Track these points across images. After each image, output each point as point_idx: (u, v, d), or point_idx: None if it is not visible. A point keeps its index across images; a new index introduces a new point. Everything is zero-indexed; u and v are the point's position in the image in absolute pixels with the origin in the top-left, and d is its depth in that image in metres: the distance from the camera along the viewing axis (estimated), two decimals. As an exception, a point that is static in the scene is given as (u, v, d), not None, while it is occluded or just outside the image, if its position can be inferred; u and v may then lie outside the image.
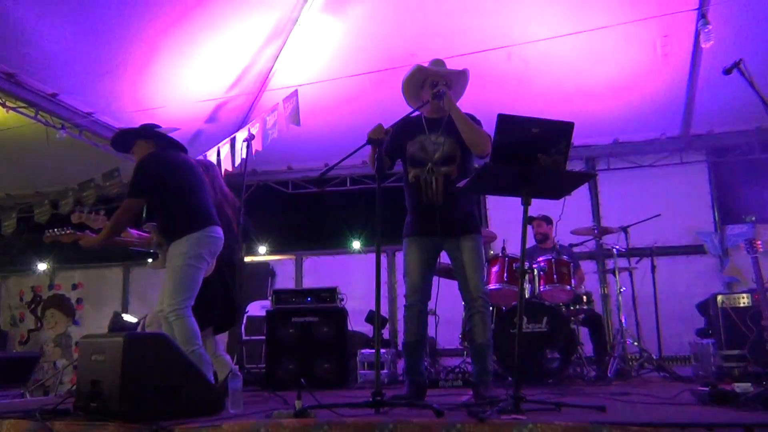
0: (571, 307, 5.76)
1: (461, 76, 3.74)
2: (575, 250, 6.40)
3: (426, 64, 3.78)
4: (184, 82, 6.49)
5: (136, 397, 2.81)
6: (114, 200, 8.43)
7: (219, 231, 4.02)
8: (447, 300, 4.76)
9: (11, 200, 8.81)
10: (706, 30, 5.47)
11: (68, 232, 4.08)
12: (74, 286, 9.48)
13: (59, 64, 5.68)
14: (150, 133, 4.16)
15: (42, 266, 9.57)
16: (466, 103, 3.77)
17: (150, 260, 9.06)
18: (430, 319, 4.40)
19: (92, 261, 9.56)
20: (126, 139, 4.20)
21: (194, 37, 6.00)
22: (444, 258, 3.79)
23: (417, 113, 3.72)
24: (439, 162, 3.58)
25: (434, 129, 3.63)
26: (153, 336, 3.32)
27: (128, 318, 6.87)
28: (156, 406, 2.83)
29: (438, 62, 3.80)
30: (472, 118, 3.62)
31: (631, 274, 6.26)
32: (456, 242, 3.57)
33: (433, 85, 3.64)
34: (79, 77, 5.93)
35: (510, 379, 5.14)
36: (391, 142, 3.70)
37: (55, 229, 4.10)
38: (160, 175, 3.91)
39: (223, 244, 4.10)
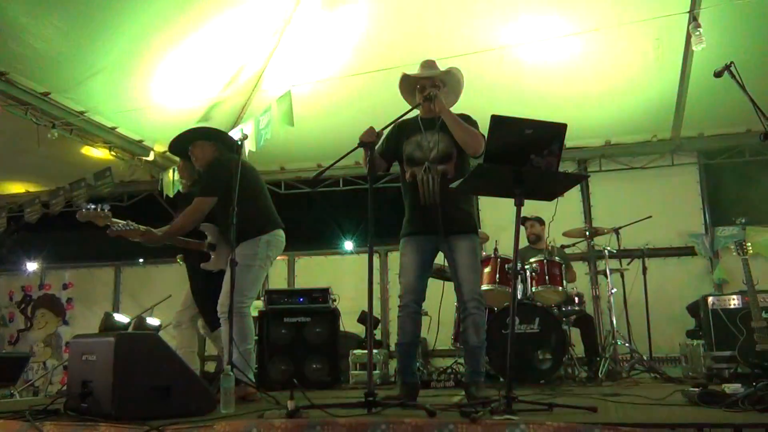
0: (563, 308, 5.78)
1: (447, 75, 3.74)
2: (567, 251, 6.42)
3: (414, 71, 3.80)
4: (178, 81, 6.47)
5: (128, 398, 2.80)
6: (106, 200, 8.40)
7: (283, 234, 4.25)
8: (439, 301, 4.76)
9: (1, 199, 8.76)
10: (697, 33, 5.50)
11: (133, 228, 4.11)
12: (65, 286, 9.42)
13: (51, 62, 5.65)
14: (212, 134, 4.31)
15: (32, 266, 9.51)
16: (459, 104, 3.79)
17: (141, 260, 9.08)
18: (423, 320, 4.39)
19: (83, 260, 9.51)
20: (186, 139, 4.34)
21: (187, 37, 5.99)
22: (437, 259, 3.79)
23: (413, 115, 3.73)
24: (435, 160, 3.58)
25: (430, 128, 3.65)
26: (144, 336, 3.32)
27: (120, 318, 6.83)
28: (147, 407, 2.82)
29: (428, 63, 3.82)
30: (468, 118, 3.63)
31: (622, 276, 6.28)
32: (453, 242, 3.57)
33: (423, 89, 3.65)
34: (71, 76, 5.90)
35: (502, 379, 5.16)
36: (388, 144, 3.72)
37: (120, 225, 4.11)
38: (233, 177, 3.99)
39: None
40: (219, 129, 4.48)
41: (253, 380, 3.96)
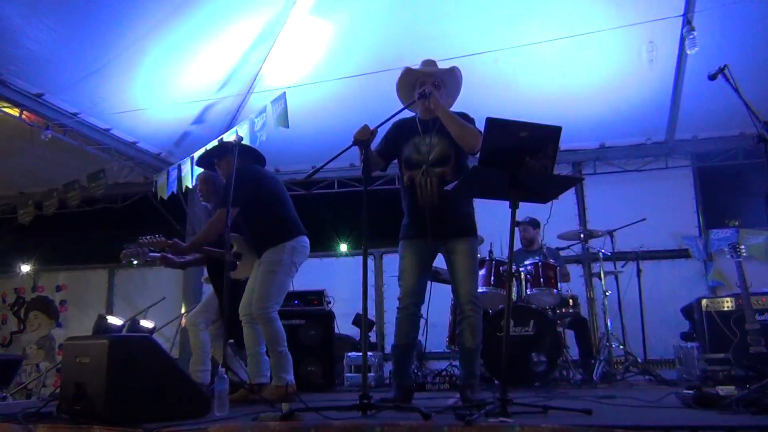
0: (558, 311, 5.78)
1: (450, 74, 3.74)
2: (562, 253, 6.43)
3: (417, 66, 3.79)
4: (172, 83, 6.46)
5: (121, 400, 2.78)
6: (99, 202, 8.37)
7: (307, 240, 4.27)
8: (433, 303, 4.75)
9: (-6, 201, 8.71)
10: (691, 36, 5.53)
11: (159, 239, 4.27)
12: (58, 288, 9.38)
13: (45, 64, 5.63)
14: (238, 149, 4.35)
15: (25, 268, 9.46)
16: (455, 105, 3.79)
17: (135, 262, 9.02)
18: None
19: (76, 262, 9.47)
20: (213, 156, 4.47)
21: (182, 38, 5.98)
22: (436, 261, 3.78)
23: (411, 115, 3.74)
24: (433, 163, 3.58)
25: (427, 130, 3.64)
26: (138, 338, 3.30)
27: (113, 320, 6.81)
28: (141, 409, 2.80)
29: (429, 62, 3.82)
30: (465, 116, 3.63)
31: (616, 278, 6.29)
32: (451, 245, 3.56)
33: (421, 86, 3.65)
34: (65, 77, 5.88)
35: (497, 382, 5.16)
36: (386, 145, 3.72)
37: (147, 237, 4.28)
38: (254, 186, 4.10)
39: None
40: (246, 144, 4.57)
41: (293, 382, 4.04)
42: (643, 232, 6.52)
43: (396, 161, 3.80)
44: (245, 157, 4.36)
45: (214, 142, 6.59)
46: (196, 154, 6.78)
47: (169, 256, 4.71)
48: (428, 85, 3.60)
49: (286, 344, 4.07)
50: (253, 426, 2.54)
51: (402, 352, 3.62)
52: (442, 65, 3.82)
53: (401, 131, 3.72)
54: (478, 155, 2.97)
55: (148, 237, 4.29)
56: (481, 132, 3.38)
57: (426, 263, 3.67)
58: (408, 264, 3.62)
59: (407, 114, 3.69)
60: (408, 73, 3.74)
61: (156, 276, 8.74)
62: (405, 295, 3.59)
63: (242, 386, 4.02)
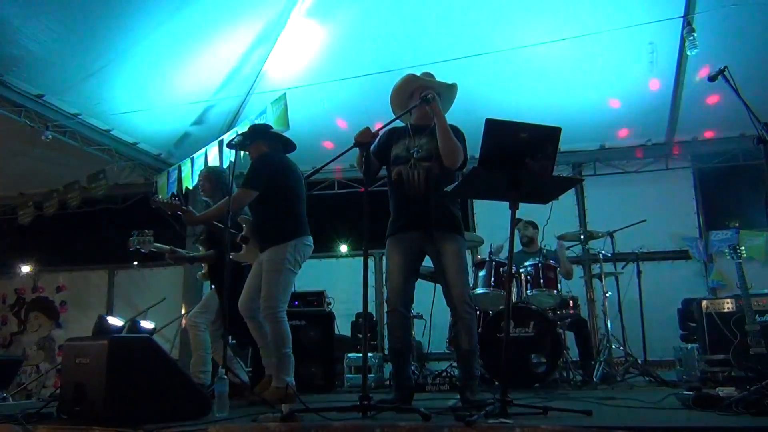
0: (558, 312, 5.78)
1: (450, 90, 3.77)
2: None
3: (419, 75, 3.80)
4: (173, 84, 6.47)
5: (121, 401, 2.78)
6: (99, 202, 8.37)
7: (311, 240, 4.25)
8: (434, 304, 4.74)
9: (-5, 201, 8.71)
10: (691, 37, 5.54)
11: (174, 202, 4.27)
12: (58, 289, 9.37)
13: (46, 64, 5.64)
14: (271, 135, 4.39)
15: (25, 268, 9.46)
16: (454, 107, 3.80)
17: (135, 263, 9.03)
18: (418, 323, 4.39)
19: (76, 263, 9.46)
20: (246, 139, 4.39)
21: (183, 39, 5.98)
22: (429, 261, 3.77)
23: (404, 124, 3.75)
24: (421, 158, 3.59)
25: (419, 134, 3.66)
26: (138, 339, 3.31)
27: (113, 321, 6.80)
28: (141, 410, 2.80)
29: (429, 75, 3.83)
30: (456, 130, 3.63)
31: (616, 279, 6.28)
32: (439, 244, 3.54)
33: (423, 90, 3.65)
34: (66, 78, 5.89)
35: (497, 383, 5.15)
36: (379, 148, 3.72)
37: (161, 197, 4.31)
38: (276, 176, 4.09)
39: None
40: (280, 133, 4.55)
41: (293, 383, 4.02)
42: (643, 234, 6.51)
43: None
44: (275, 143, 4.36)
45: (214, 143, 6.61)
46: (196, 155, 6.79)
47: (178, 249, 4.69)
48: (431, 90, 3.60)
49: (290, 346, 4.04)
50: (253, 427, 2.54)
51: (398, 356, 3.61)
52: (441, 66, 3.83)
53: (393, 136, 3.75)
54: (477, 158, 2.96)
55: (163, 198, 4.23)
56: (466, 156, 3.47)
57: (413, 263, 3.65)
58: (395, 264, 3.60)
59: (400, 123, 3.71)
60: (410, 81, 3.75)
61: (156, 276, 8.74)
62: (393, 296, 3.57)
63: (234, 382, 4.00)
